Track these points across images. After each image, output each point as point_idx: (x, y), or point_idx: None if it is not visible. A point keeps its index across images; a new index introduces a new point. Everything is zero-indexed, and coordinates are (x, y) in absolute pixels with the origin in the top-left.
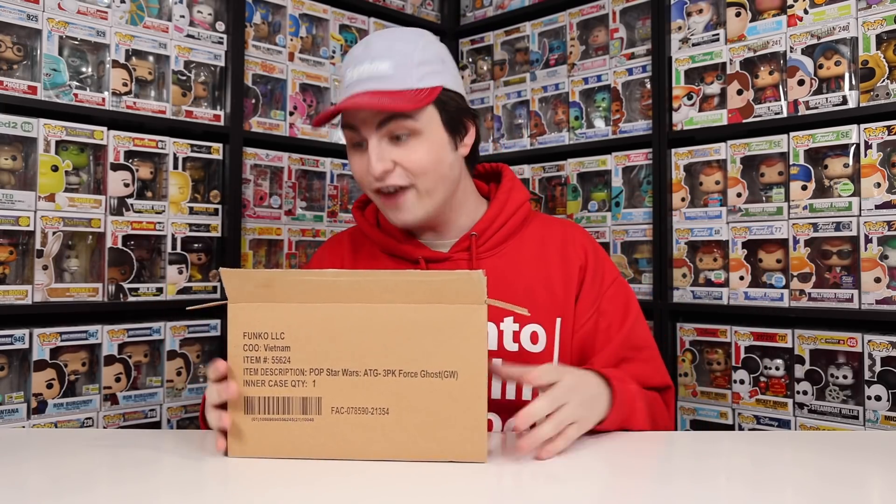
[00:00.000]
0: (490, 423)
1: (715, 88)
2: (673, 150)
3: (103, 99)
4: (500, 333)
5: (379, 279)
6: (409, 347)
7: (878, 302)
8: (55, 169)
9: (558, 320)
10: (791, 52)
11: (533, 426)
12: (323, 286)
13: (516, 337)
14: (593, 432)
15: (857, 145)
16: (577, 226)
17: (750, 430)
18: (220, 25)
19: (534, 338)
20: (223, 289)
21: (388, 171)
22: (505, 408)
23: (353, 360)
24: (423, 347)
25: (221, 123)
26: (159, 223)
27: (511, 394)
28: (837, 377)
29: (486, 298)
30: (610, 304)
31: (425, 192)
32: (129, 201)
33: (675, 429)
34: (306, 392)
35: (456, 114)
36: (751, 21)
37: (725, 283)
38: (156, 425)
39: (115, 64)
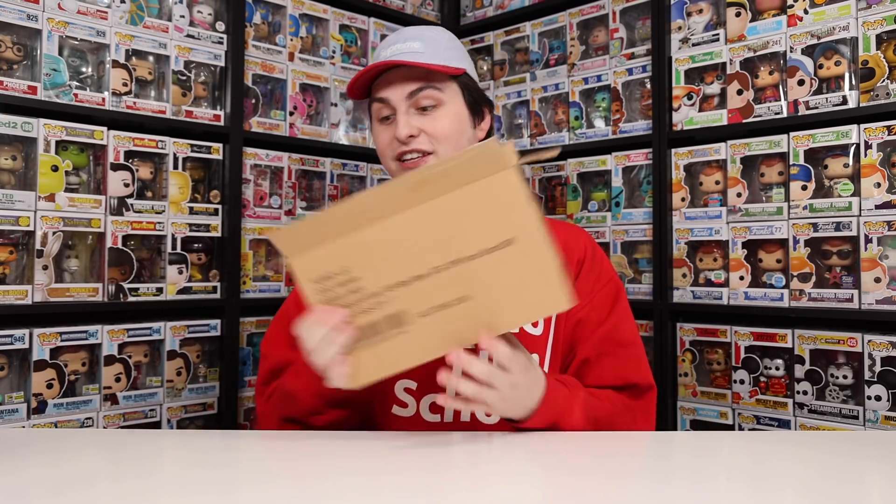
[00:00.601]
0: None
1: (715, 88)
2: (673, 150)
3: (103, 99)
4: None
5: (404, 183)
6: (460, 233)
7: (878, 302)
8: (55, 169)
9: None
10: (791, 52)
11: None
12: (359, 212)
13: None
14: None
15: (857, 145)
16: (580, 227)
17: (750, 430)
18: (220, 25)
19: (534, 322)
20: (223, 288)
21: (413, 136)
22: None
23: (416, 264)
24: (473, 228)
25: (221, 123)
26: (159, 223)
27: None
28: (837, 377)
29: (514, 161)
30: (601, 300)
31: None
32: (129, 201)
33: (669, 429)
34: (390, 309)
35: (477, 96)
36: (751, 21)
37: (725, 283)
38: (156, 425)
39: (115, 64)
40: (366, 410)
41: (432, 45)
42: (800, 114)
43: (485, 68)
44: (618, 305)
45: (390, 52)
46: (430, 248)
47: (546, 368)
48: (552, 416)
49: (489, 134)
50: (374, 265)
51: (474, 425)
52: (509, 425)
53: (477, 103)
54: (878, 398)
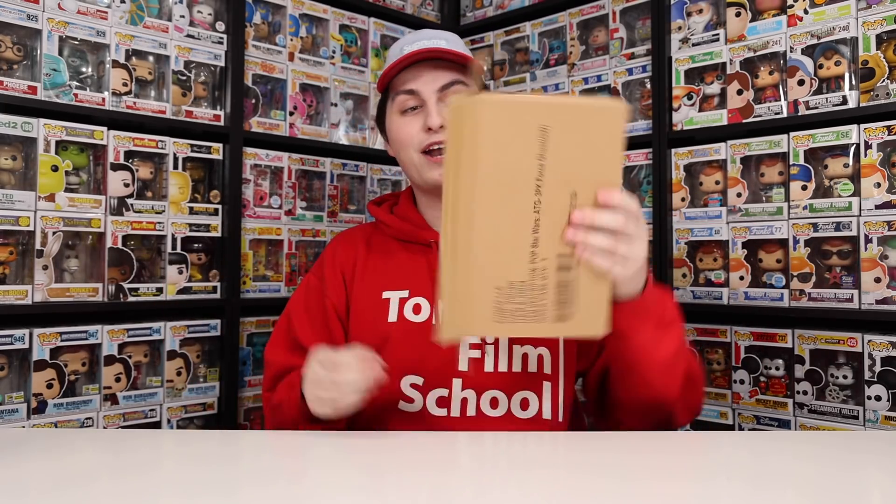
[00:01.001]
0: (495, 399)
1: (715, 88)
2: (673, 150)
3: (103, 99)
4: None
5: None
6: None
7: (878, 302)
8: (55, 169)
9: None
10: (791, 52)
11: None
12: None
13: None
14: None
15: (857, 145)
16: None
17: (750, 430)
18: (220, 25)
19: None
20: (223, 288)
21: (443, 126)
22: (510, 382)
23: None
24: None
25: (221, 123)
26: (159, 223)
27: (517, 366)
28: (837, 377)
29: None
30: None
31: None
32: (129, 201)
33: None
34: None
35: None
36: (751, 21)
37: (725, 283)
38: (156, 425)
39: (115, 64)
40: (345, 423)
41: (455, 44)
42: (800, 114)
43: (485, 68)
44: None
45: (416, 46)
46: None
47: (562, 365)
48: (662, 300)
49: None
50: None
51: (479, 420)
52: (511, 422)
53: None
54: (878, 398)
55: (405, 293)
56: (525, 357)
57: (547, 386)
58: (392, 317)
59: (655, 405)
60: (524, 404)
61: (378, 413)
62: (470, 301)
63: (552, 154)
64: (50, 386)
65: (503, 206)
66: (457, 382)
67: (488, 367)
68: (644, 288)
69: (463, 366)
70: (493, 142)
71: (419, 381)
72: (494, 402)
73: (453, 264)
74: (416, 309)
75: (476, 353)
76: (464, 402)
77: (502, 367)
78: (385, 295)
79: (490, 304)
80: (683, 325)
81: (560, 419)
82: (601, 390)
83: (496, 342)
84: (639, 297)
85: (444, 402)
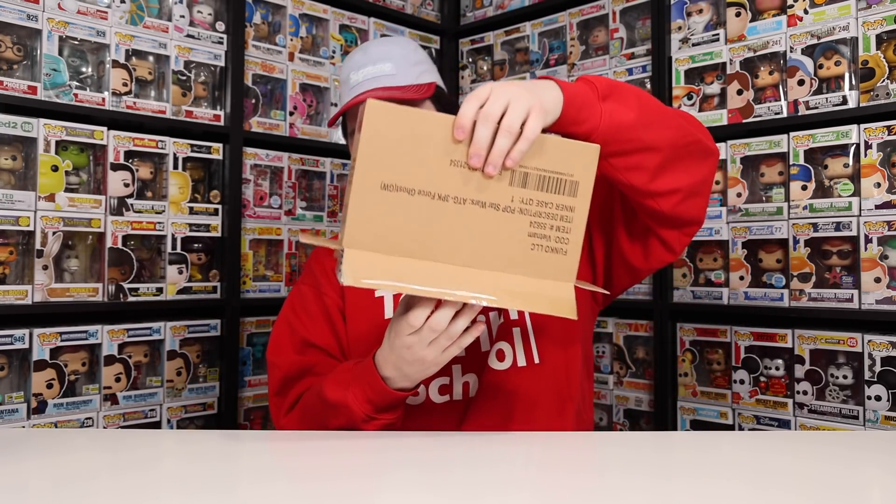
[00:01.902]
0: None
1: (715, 88)
2: None
3: (103, 99)
4: None
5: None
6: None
7: (878, 302)
8: (55, 169)
9: None
10: (791, 52)
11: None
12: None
13: None
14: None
15: (857, 145)
16: None
17: (750, 430)
18: (220, 25)
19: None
20: (223, 288)
21: None
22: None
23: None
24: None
25: (221, 123)
26: (159, 223)
27: (494, 328)
28: (837, 377)
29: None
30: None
31: None
32: (129, 201)
33: (669, 429)
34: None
35: (448, 107)
36: (751, 21)
37: (725, 283)
38: (156, 425)
39: (115, 64)
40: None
41: (402, 64)
42: (800, 114)
43: (485, 68)
44: None
45: (361, 75)
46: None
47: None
48: (588, 82)
49: None
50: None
51: (479, 399)
52: (493, 385)
53: (449, 113)
54: (878, 398)
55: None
56: (506, 314)
57: (516, 332)
58: (389, 313)
59: (673, 157)
60: (499, 356)
61: None
62: (538, 280)
63: (407, 181)
64: (50, 386)
65: (455, 235)
66: (456, 368)
67: (484, 346)
68: (561, 90)
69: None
70: (389, 241)
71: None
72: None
73: (501, 294)
74: None
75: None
76: (465, 385)
77: (484, 345)
78: (378, 294)
79: (544, 259)
80: (624, 84)
81: (536, 360)
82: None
83: (487, 320)
84: (564, 98)
85: (446, 389)
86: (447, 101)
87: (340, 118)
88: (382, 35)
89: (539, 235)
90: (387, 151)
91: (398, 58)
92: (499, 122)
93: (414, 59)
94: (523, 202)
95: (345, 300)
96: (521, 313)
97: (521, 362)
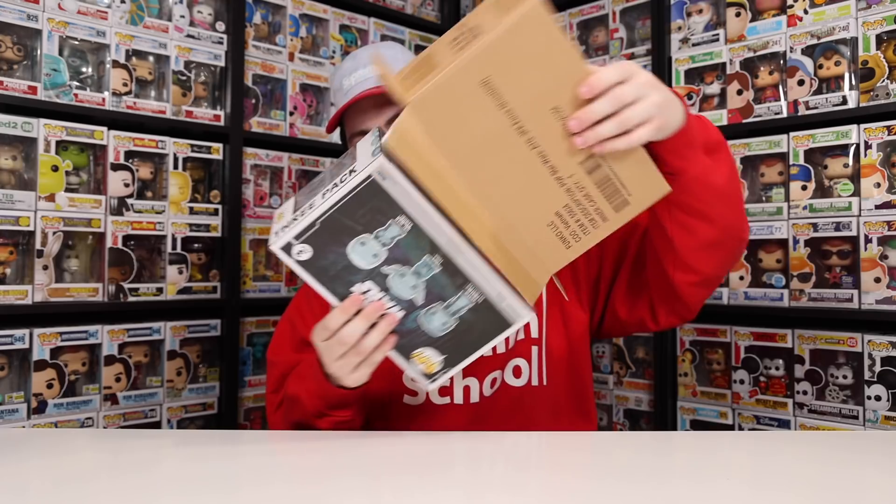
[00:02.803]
0: (494, 380)
1: (715, 88)
2: None
3: (103, 99)
4: None
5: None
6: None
7: (878, 302)
8: (55, 169)
9: None
10: (791, 52)
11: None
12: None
13: None
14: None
15: (857, 145)
16: None
17: (750, 430)
18: (220, 25)
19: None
20: (223, 288)
21: None
22: (505, 358)
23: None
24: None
25: (221, 123)
26: (159, 223)
27: (511, 342)
28: (837, 377)
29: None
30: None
31: None
32: (129, 201)
33: (669, 429)
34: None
35: None
36: (751, 21)
37: (725, 283)
38: (156, 425)
39: (115, 64)
40: (366, 410)
41: (393, 65)
42: (800, 114)
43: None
44: None
45: (353, 79)
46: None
47: (545, 328)
48: (704, 126)
49: None
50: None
51: (481, 405)
52: (505, 391)
53: None
54: (878, 398)
55: None
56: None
57: (535, 350)
58: None
59: (719, 241)
60: (517, 372)
61: (381, 408)
62: (531, 254)
63: (509, 94)
64: (50, 386)
65: (499, 169)
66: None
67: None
68: (684, 117)
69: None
70: (446, 134)
71: (500, 338)
72: (493, 382)
73: (493, 245)
74: None
75: None
76: (466, 389)
77: (500, 348)
78: None
79: (550, 242)
80: (728, 146)
81: (545, 382)
82: (639, 289)
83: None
84: (682, 127)
85: (446, 391)
86: None
87: (338, 125)
88: (383, 35)
89: (562, 220)
90: (513, 53)
91: (388, 59)
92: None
93: (404, 60)
94: (576, 185)
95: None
96: (540, 332)
97: (535, 381)
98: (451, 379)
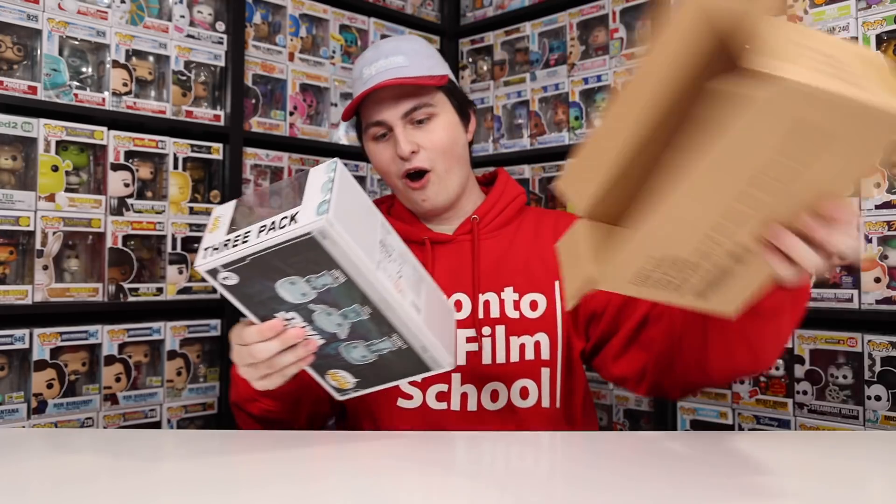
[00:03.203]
0: (495, 392)
1: None
2: None
3: (103, 99)
4: (502, 302)
5: None
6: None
7: (878, 302)
8: (55, 169)
9: (556, 283)
10: None
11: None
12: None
13: (517, 305)
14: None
15: None
16: (573, 213)
17: (750, 430)
18: (220, 25)
19: (533, 305)
20: None
21: (414, 151)
22: (509, 372)
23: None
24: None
25: (221, 123)
26: (159, 223)
27: (515, 356)
28: (837, 377)
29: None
30: None
31: (444, 172)
32: (129, 201)
33: (669, 429)
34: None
35: (462, 100)
36: None
37: None
38: (156, 425)
39: (115, 64)
40: (295, 405)
41: (414, 57)
42: None
43: (485, 68)
44: None
45: (374, 69)
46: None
47: (560, 349)
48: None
49: (475, 134)
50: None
51: (480, 414)
52: (512, 412)
53: (463, 107)
54: (878, 398)
55: None
56: (522, 346)
57: (545, 372)
58: None
59: (749, 371)
60: (524, 393)
61: (377, 410)
62: (614, 259)
63: (795, 151)
64: (50, 386)
65: (707, 187)
66: (455, 377)
67: (486, 359)
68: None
69: (461, 360)
70: (745, 132)
71: (418, 377)
72: (495, 395)
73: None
74: None
75: (473, 346)
76: (464, 396)
77: (500, 359)
78: None
79: (633, 268)
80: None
81: (558, 405)
82: (636, 354)
83: (493, 334)
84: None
85: (443, 396)
86: (460, 95)
87: (355, 115)
88: (383, 35)
89: (709, 260)
90: (864, 125)
91: (409, 52)
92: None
93: (425, 54)
94: (708, 249)
95: None
96: (553, 353)
97: (546, 403)
98: (450, 385)
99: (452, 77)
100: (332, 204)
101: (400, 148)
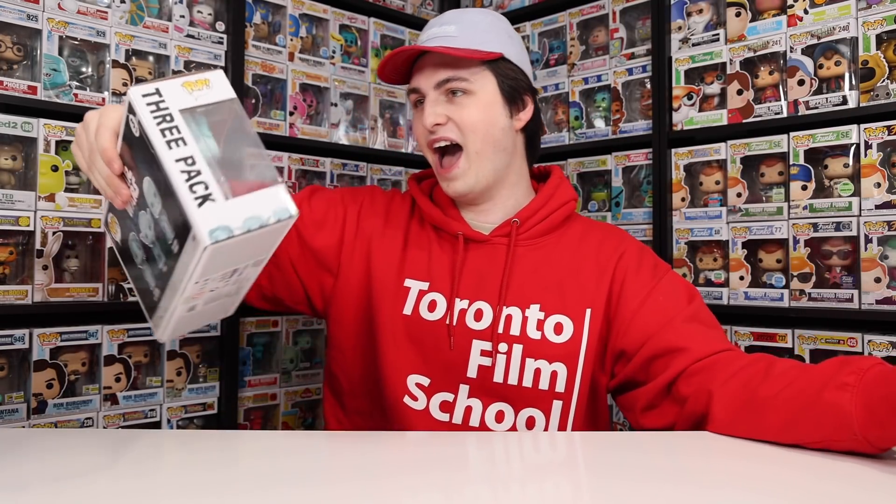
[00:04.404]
0: (501, 413)
1: (715, 88)
2: (673, 150)
3: (103, 99)
4: (525, 319)
5: None
6: None
7: (878, 302)
8: (55, 169)
9: (588, 311)
10: (791, 52)
11: None
12: None
13: (540, 325)
14: None
15: (857, 145)
16: (621, 229)
17: None
18: (220, 25)
19: (558, 328)
20: None
21: (440, 123)
22: (518, 396)
23: None
24: None
25: None
26: None
27: (528, 381)
28: None
29: None
30: (667, 296)
31: (475, 153)
32: None
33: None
34: None
35: (514, 83)
36: (751, 21)
37: (725, 283)
38: (156, 425)
39: (115, 64)
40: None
41: (469, 29)
42: (800, 114)
43: None
44: (694, 296)
45: (427, 35)
46: None
47: (578, 383)
48: None
49: (532, 123)
50: None
51: (483, 431)
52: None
53: (515, 91)
54: None
55: (425, 285)
56: (538, 372)
57: (557, 405)
58: (407, 309)
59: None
60: (529, 423)
61: (384, 407)
62: None
63: None
64: (50, 386)
65: None
66: (463, 389)
67: (497, 377)
68: None
69: (472, 372)
70: None
71: (425, 381)
72: (500, 416)
73: None
74: (432, 306)
75: (487, 361)
76: (468, 410)
77: (512, 380)
78: (407, 283)
79: None
80: None
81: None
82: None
83: (509, 351)
84: None
85: (447, 406)
86: (514, 77)
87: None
88: (383, 35)
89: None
90: None
91: (466, 22)
92: None
93: (484, 28)
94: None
95: (371, 267)
96: (569, 387)
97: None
98: (456, 395)
99: (512, 56)
100: (231, 236)
101: (424, 118)
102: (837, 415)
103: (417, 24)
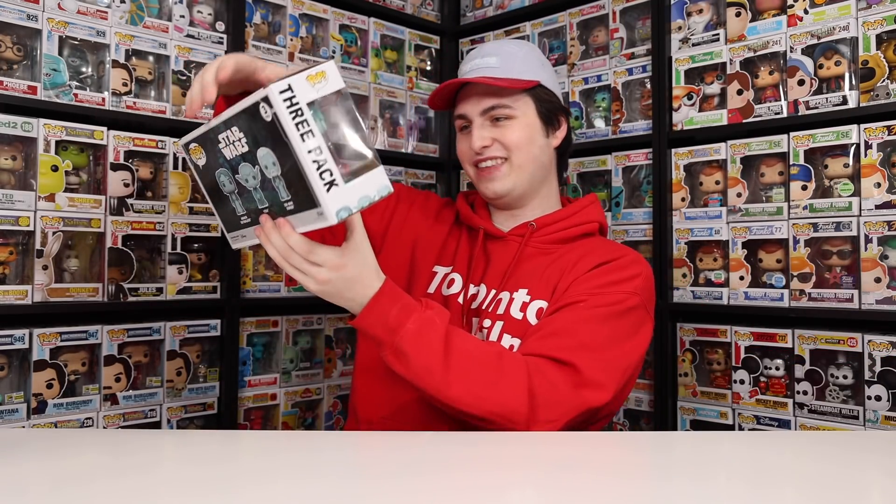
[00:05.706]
0: None
1: (715, 88)
2: (673, 150)
3: (103, 99)
4: (511, 300)
5: None
6: None
7: (878, 302)
8: (55, 169)
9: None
10: (791, 52)
11: None
12: None
13: (524, 307)
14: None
15: (857, 145)
16: (635, 252)
17: (750, 430)
18: (220, 25)
19: (539, 313)
20: (223, 288)
21: (486, 146)
22: None
23: None
24: None
25: None
26: (159, 223)
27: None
28: (837, 377)
29: None
30: (583, 294)
31: (518, 165)
32: (129, 201)
33: (669, 429)
34: None
35: (550, 106)
36: (751, 21)
37: (725, 283)
38: (156, 425)
39: (115, 64)
40: None
41: (508, 60)
42: (800, 114)
43: None
44: (607, 319)
45: (469, 66)
46: None
47: None
48: (379, 320)
49: (566, 141)
50: None
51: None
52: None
53: (551, 113)
54: (878, 398)
55: (448, 269)
56: (510, 349)
57: None
58: (431, 288)
59: None
60: None
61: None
62: None
63: None
64: (50, 386)
65: None
66: None
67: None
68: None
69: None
70: None
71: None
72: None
73: None
74: (450, 283)
75: (479, 336)
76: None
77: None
78: (435, 269)
79: None
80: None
81: None
82: None
83: (490, 327)
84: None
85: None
86: (549, 100)
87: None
88: (382, 35)
89: None
90: None
91: (506, 54)
92: None
93: (521, 58)
94: None
95: (414, 262)
96: None
97: None
98: None
99: (546, 83)
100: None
101: (473, 142)
102: None
103: (417, 24)
